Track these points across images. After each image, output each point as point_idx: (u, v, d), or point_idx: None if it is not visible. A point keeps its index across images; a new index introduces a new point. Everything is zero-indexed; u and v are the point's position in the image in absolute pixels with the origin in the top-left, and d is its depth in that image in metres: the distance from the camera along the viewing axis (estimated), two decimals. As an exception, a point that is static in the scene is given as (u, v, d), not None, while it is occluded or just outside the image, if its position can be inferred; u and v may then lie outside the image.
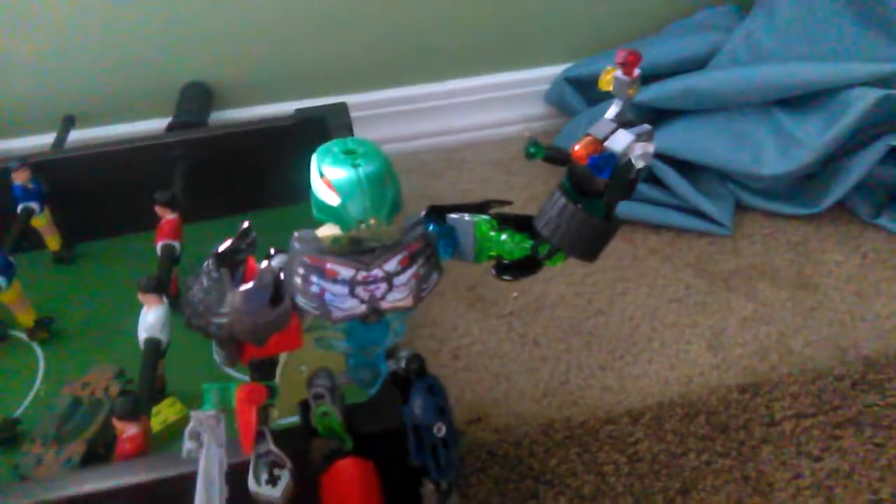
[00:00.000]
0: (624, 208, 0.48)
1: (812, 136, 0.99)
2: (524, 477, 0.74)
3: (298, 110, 0.98)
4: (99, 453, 0.68)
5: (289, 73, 1.17)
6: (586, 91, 1.19)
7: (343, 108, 0.98)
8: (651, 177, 1.04)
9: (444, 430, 0.52)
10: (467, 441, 0.76)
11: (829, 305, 0.93)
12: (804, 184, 1.05)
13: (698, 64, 1.11)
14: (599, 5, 1.22)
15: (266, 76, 1.17)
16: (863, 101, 0.95)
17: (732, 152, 1.02)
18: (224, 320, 0.43)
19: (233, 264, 0.44)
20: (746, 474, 0.73)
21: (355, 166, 0.42)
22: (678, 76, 1.04)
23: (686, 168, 1.04)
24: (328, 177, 0.42)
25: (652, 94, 1.05)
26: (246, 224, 0.45)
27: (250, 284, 0.43)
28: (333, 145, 0.43)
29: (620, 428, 0.78)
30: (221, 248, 0.44)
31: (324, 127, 0.94)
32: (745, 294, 0.95)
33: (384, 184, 0.42)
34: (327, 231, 0.44)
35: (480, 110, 1.26)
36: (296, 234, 0.43)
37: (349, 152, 0.43)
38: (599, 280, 0.98)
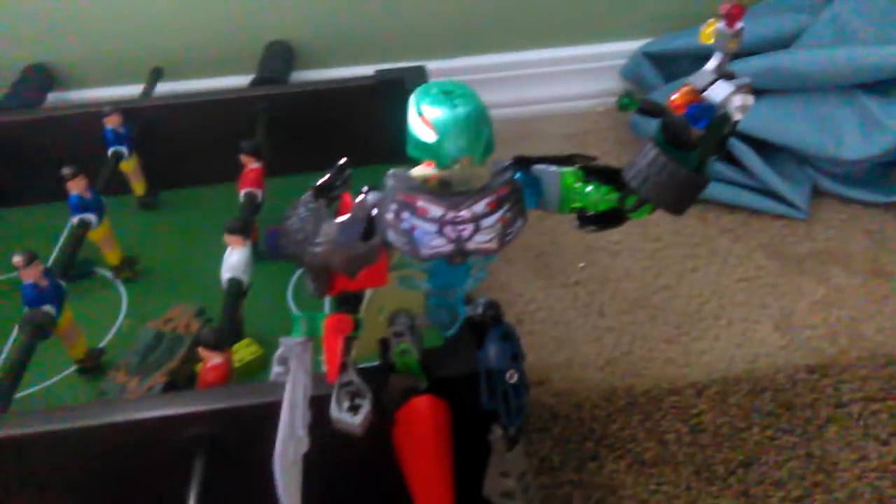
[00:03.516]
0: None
1: (898, 122, 0.97)
2: (585, 439, 0.75)
3: (378, 72, 1.00)
4: (179, 385, 0.71)
5: (368, 37, 1.19)
6: (664, 67, 1.18)
7: (421, 71, 0.99)
8: (728, 156, 1.03)
9: (516, 376, 0.53)
10: (530, 400, 0.77)
11: (904, 294, 0.91)
12: (884, 171, 1.03)
13: (782, 45, 1.08)
14: (681, -18, 1.21)
15: (346, 39, 1.19)
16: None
17: (814, 134, 1.01)
18: (319, 249, 0.44)
19: (329, 198, 0.46)
20: (810, 452, 0.73)
21: (453, 106, 0.43)
22: (763, 54, 1.02)
23: (764, 149, 1.03)
24: (426, 115, 0.43)
25: (735, 71, 1.04)
26: (343, 160, 0.47)
27: (346, 217, 0.45)
28: (432, 86, 0.44)
29: (684, 399, 0.79)
30: (319, 182, 0.46)
31: (403, 89, 0.95)
32: (817, 278, 0.94)
33: (479, 124, 0.43)
34: (420, 171, 0.45)
35: (555, 83, 1.26)
36: (390, 171, 0.44)
37: (447, 93, 0.43)
38: (668, 256, 0.97)
